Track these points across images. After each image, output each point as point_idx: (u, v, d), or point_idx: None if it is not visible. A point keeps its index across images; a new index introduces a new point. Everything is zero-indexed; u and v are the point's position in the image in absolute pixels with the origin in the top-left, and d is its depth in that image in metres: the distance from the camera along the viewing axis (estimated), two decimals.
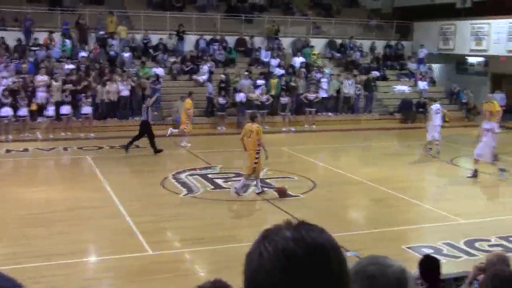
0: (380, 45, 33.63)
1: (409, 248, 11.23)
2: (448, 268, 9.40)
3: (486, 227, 12.71)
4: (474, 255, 10.80)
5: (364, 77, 29.54)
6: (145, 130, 19.68)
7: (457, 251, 11.20)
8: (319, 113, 27.53)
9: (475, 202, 15.23)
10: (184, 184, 15.87)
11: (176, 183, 16.04)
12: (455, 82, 32.00)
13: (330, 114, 28.24)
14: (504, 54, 29.03)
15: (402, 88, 30.86)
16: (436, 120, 20.60)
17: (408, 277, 1.87)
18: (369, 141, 24.02)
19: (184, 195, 14.88)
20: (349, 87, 28.45)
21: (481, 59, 32.49)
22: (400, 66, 32.94)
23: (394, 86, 31.13)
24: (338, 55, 32.20)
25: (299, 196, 15.02)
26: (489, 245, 11.38)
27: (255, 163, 14.70)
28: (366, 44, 33.21)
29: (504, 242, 11.65)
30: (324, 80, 28.34)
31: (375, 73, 30.62)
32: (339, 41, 32.63)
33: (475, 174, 17.20)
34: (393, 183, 16.44)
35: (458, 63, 34.08)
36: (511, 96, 30.08)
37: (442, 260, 10.32)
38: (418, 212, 14.14)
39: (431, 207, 14.39)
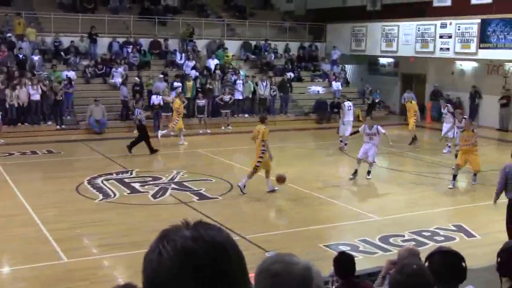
0: (294, 46, 34.13)
1: (326, 246, 11.45)
2: (364, 264, 9.67)
3: (399, 223, 13.13)
4: (388, 250, 11.14)
5: (279, 79, 29.90)
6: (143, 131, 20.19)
7: (372, 247, 11.51)
8: (235, 115, 27.67)
9: (389, 199, 15.70)
10: (99, 189, 15.58)
11: (91, 188, 15.72)
12: (368, 82, 32.89)
13: (246, 115, 28.40)
14: (413, 55, 30.08)
15: (317, 89, 31.44)
16: (349, 116, 21.90)
17: (314, 275, 1.89)
18: (285, 142, 24.30)
19: (100, 200, 14.61)
20: (264, 89, 28.73)
21: (391, 60, 33.55)
22: (314, 67, 33.52)
23: (309, 87, 31.66)
24: (253, 57, 32.45)
25: (217, 198, 15.05)
26: (403, 240, 11.76)
27: (258, 162, 15.28)
28: (280, 45, 33.62)
29: (416, 237, 12.08)
30: (239, 82, 28.50)
31: (290, 75, 31.05)
32: (253, 43, 32.90)
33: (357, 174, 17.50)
34: (309, 183, 16.72)
35: (370, 64, 35.07)
36: (419, 95, 31.21)
37: (359, 256, 10.63)
38: (335, 211, 14.45)
39: (347, 205, 14.73)
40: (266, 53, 32.44)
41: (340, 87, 31.47)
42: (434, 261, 4.00)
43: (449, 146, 21.33)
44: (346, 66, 34.61)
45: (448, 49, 28.27)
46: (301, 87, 31.63)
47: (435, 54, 29.00)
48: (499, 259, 4.29)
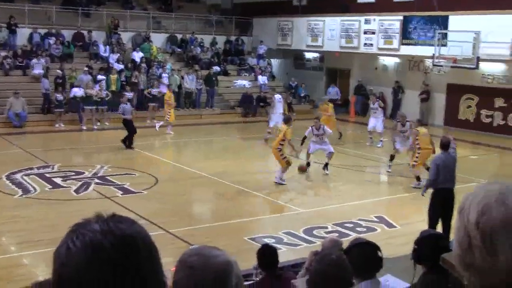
0: (220, 40, 34.08)
1: (251, 239, 11.49)
2: (288, 256, 9.77)
3: (323, 215, 13.33)
4: (312, 242, 11.28)
5: (205, 72, 29.80)
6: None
7: (296, 239, 11.64)
8: (161, 109, 27.37)
9: (314, 192, 15.93)
10: (19, 185, 15.11)
11: (10, 184, 15.22)
12: (294, 77, 33.22)
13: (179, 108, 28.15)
14: (338, 50, 30.58)
15: (243, 82, 31.52)
16: (278, 108, 22.59)
17: (232, 269, 1.87)
18: (211, 136, 24.28)
19: (20, 196, 14.18)
20: (191, 82, 28.57)
21: (317, 54, 33.99)
22: (240, 61, 33.59)
23: (235, 81, 31.71)
24: (179, 50, 32.21)
25: (141, 192, 14.86)
26: (326, 232, 11.94)
27: (283, 157, 16.00)
28: (207, 39, 33.49)
29: (339, 228, 12.29)
30: (165, 75, 28.23)
31: (216, 68, 31.00)
32: (180, 36, 32.64)
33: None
34: (235, 176, 16.75)
35: (296, 58, 35.42)
36: (344, 90, 31.81)
37: (283, 248, 10.73)
38: (260, 204, 14.53)
39: (272, 198, 14.84)
40: (192, 46, 32.25)
41: (266, 81, 31.66)
42: (351, 253, 4.09)
43: (381, 141, 21.72)
44: (272, 60, 34.87)
45: (371, 44, 28.89)
46: (227, 81, 31.63)
47: (359, 50, 29.59)
48: (415, 247, 4.42)
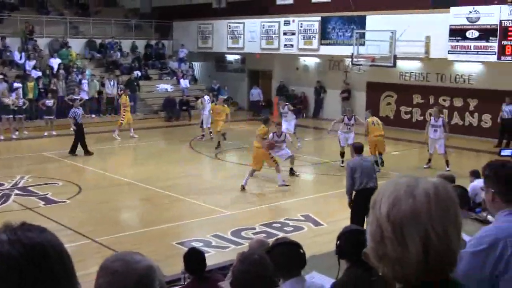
0: (140, 44, 33.74)
1: (179, 243, 11.46)
2: (217, 259, 9.80)
3: (251, 217, 13.43)
4: (240, 243, 11.34)
5: (126, 77, 29.46)
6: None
7: (224, 241, 11.68)
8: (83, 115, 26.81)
9: (241, 194, 15.95)
10: None
11: None
12: (216, 79, 33.26)
13: (93, 116, 27.69)
14: (259, 51, 30.84)
15: (165, 87, 31.34)
16: (208, 109, 23.45)
17: (155, 274, 1.90)
18: (135, 141, 24.01)
19: None
20: (112, 88, 28.17)
21: (238, 56, 34.17)
22: (161, 65, 33.37)
23: (157, 85, 31.50)
24: (99, 55, 31.70)
25: (65, 201, 14.56)
26: (254, 233, 12.03)
27: (272, 159, 16.20)
28: (127, 44, 33.10)
29: (267, 229, 12.41)
30: (84, 81, 27.71)
31: (137, 73, 30.70)
32: (99, 41, 32.12)
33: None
34: (161, 182, 16.65)
35: (218, 61, 35.49)
36: (267, 91, 32.10)
37: (211, 251, 10.76)
38: (187, 208, 14.47)
39: (199, 202, 14.81)
40: (112, 51, 31.80)
41: (188, 85, 31.59)
42: (274, 252, 4.17)
43: (298, 138, 21.97)
44: (194, 63, 34.82)
45: (292, 45, 29.28)
46: (149, 86, 31.38)
47: (280, 51, 29.93)
48: (338, 243, 4.54)
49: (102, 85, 28.32)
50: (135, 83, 29.36)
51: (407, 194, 1.72)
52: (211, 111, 23.00)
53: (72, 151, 20.24)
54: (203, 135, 23.96)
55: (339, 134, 19.08)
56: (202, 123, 24.00)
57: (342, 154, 18.88)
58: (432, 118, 18.63)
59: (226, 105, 23.88)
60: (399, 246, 1.70)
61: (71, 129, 20.50)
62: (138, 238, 11.91)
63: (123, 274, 1.85)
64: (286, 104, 22.22)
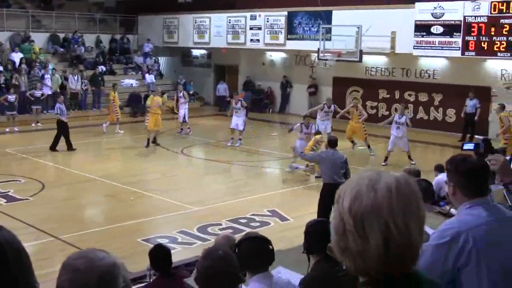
0: (105, 39, 33.40)
1: (145, 240, 11.41)
2: (183, 255, 9.78)
3: (217, 213, 13.42)
4: (207, 239, 11.34)
5: (90, 72, 29.15)
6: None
7: (191, 237, 11.67)
8: (45, 111, 26.50)
9: (207, 189, 15.96)
10: None
11: None
12: (182, 74, 33.11)
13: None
14: (225, 46, 30.78)
15: (130, 82, 31.10)
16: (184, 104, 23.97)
17: (119, 271, 1.89)
18: (99, 137, 23.79)
19: None
20: (76, 83, 27.83)
21: (204, 51, 34.06)
22: (126, 60, 33.09)
23: (122, 80, 31.21)
24: (62, 50, 31.31)
25: (28, 199, 14.38)
26: (220, 229, 12.05)
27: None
28: (91, 38, 32.75)
29: (233, 224, 12.43)
30: (47, 76, 27.33)
31: (102, 68, 30.40)
32: (62, 36, 31.71)
33: None
34: (126, 178, 16.55)
35: (184, 56, 35.34)
36: (233, 86, 32.05)
37: (177, 247, 10.74)
38: (152, 204, 14.41)
39: (164, 198, 14.76)
40: (76, 46, 31.42)
41: (153, 80, 31.39)
42: (242, 247, 4.17)
43: (240, 139, 21.80)
44: (159, 58, 34.59)
45: (258, 40, 29.28)
46: (113, 81, 31.04)
47: (246, 45, 29.91)
48: (306, 236, 4.57)
49: (66, 79, 27.95)
50: (100, 78, 29.07)
51: (369, 188, 1.75)
52: (149, 105, 22.26)
53: (53, 147, 20.08)
54: (181, 129, 24.24)
55: (317, 121, 20.37)
56: (184, 117, 24.15)
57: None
58: (397, 114, 18.80)
59: (163, 97, 23.95)
60: (360, 239, 1.73)
61: (65, 120, 20.31)
62: (103, 235, 11.82)
63: (85, 271, 1.84)
64: (240, 100, 21.88)
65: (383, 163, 18.29)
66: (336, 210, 1.82)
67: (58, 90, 27.36)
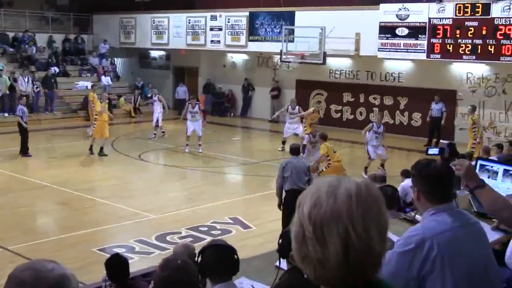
0: (58, 39, 33.03)
1: (100, 250, 11.30)
2: (141, 265, 9.69)
3: (176, 220, 13.37)
4: (165, 248, 11.27)
5: (42, 74, 28.77)
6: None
7: (149, 247, 11.60)
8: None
9: (165, 196, 15.86)
10: None
11: None
12: (140, 76, 32.92)
13: (6, 114, 26.86)
14: (185, 47, 30.70)
15: (85, 84, 30.76)
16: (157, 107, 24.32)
17: (69, 283, 1.87)
18: (52, 142, 23.50)
19: None
20: (26, 85, 27.39)
21: (163, 52, 33.92)
22: (81, 61, 32.79)
23: (76, 83, 30.91)
24: (11, 50, 30.85)
25: None
26: (179, 237, 12.00)
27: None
28: (43, 37, 32.34)
29: (193, 233, 12.39)
30: None
31: (55, 69, 30.04)
32: (11, 35, 31.25)
33: None
34: (80, 184, 16.37)
35: (141, 57, 35.15)
36: (193, 88, 31.95)
37: (135, 257, 10.67)
38: (108, 212, 14.28)
39: (121, 205, 14.63)
40: (26, 46, 31.00)
41: (110, 82, 31.17)
42: (205, 255, 4.15)
43: (200, 145, 21.79)
44: (116, 59, 34.33)
45: (219, 41, 29.28)
46: (67, 83, 30.76)
47: (206, 47, 29.88)
48: (280, 241, 4.55)
49: (15, 81, 27.50)
50: (52, 80, 28.69)
51: (328, 194, 1.77)
52: (94, 110, 21.45)
53: (23, 151, 19.95)
54: (154, 134, 24.18)
55: (286, 124, 21.49)
56: (157, 121, 24.16)
57: (283, 142, 20.82)
58: (375, 124, 18.39)
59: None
60: (319, 246, 1.75)
61: (24, 125, 19.90)
62: (56, 245, 11.67)
63: (31, 284, 1.81)
64: (197, 103, 21.46)
65: (364, 175, 17.17)
66: (296, 216, 1.84)
67: (7, 92, 26.91)
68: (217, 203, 15.10)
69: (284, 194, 11.48)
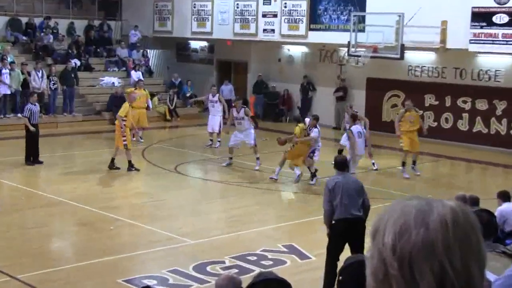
0: (80, 26, 33.50)
1: (126, 281, 11.37)
2: None
3: (219, 247, 13.38)
4: (205, 281, 11.28)
5: (60, 67, 29.21)
6: None
7: (185, 278, 11.62)
8: (1, 116, 26.59)
9: (205, 217, 15.88)
10: None
11: None
12: (177, 72, 33.14)
13: (19, 115, 27.37)
14: (231, 38, 30.81)
15: (111, 80, 31.15)
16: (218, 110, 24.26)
17: None
18: (71, 150, 23.85)
19: None
20: (40, 80, 27.85)
21: (205, 43, 34.12)
22: (107, 52, 33.19)
23: (101, 78, 31.30)
24: (24, 38, 31.47)
25: None
26: (223, 268, 11.99)
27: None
28: (62, 24, 32.87)
29: (239, 262, 12.37)
30: (5, 71, 27.31)
31: (75, 62, 30.46)
32: (25, 20, 31.87)
33: None
34: (104, 201, 16.54)
35: (179, 49, 35.41)
36: (241, 87, 32.04)
37: None
38: (137, 235, 14.40)
39: (152, 227, 14.72)
40: (42, 33, 31.59)
41: (141, 77, 31.36)
42: None
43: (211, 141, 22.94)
44: (149, 51, 34.66)
45: (273, 30, 29.31)
46: (91, 79, 31.20)
47: (258, 37, 29.94)
48: (340, 278, 4.53)
49: (28, 75, 27.90)
50: (73, 75, 29.10)
51: (418, 221, 1.73)
52: (128, 102, 21.54)
53: (30, 159, 20.30)
54: (211, 140, 24.36)
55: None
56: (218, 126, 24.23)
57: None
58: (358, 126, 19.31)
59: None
60: (407, 286, 1.70)
61: (31, 128, 20.24)
62: (72, 275, 11.79)
63: None
64: (243, 107, 21.34)
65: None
66: (373, 249, 1.79)
67: (20, 89, 27.38)
68: (268, 227, 15.08)
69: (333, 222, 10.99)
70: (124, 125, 19.73)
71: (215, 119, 23.32)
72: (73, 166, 21.99)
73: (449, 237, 1.71)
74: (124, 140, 19.48)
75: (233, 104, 22.16)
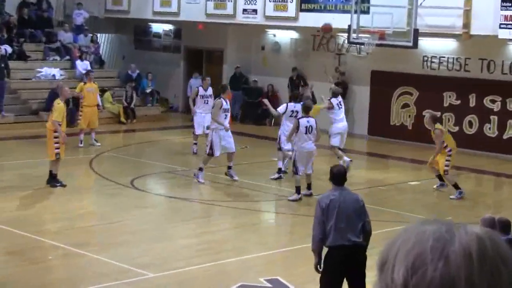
0: (12, 2, 33.39)
1: None
2: None
3: (186, 281, 13.41)
4: None
5: None
6: None
7: None
8: None
9: (170, 245, 15.86)
10: None
11: None
12: (135, 62, 33.08)
13: None
14: (203, 19, 30.78)
15: (51, 72, 31.07)
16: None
17: None
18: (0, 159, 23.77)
19: None
20: None
21: (170, 27, 34.11)
22: (46, 37, 33.09)
23: (39, 70, 31.22)
24: None
25: None
26: None
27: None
28: None
29: None
30: None
31: (6, 49, 30.34)
32: None
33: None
34: (40, 224, 16.54)
35: (138, 33, 35.39)
36: (216, 81, 31.99)
37: None
38: (82, 267, 14.33)
39: (103, 257, 14.68)
40: None
41: (89, 68, 31.31)
42: None
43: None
44: (99, 35, 34.63)
45: (255, 11, 29.32)
46: (25, 70, 31.11)
47: (236, 19, 29.96)
48: None
49: None
50: (2, 65, 29.03)
51: (435, 252, 1.72)
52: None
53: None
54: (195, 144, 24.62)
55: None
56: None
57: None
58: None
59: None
60: None
61: None
62: None
63: None
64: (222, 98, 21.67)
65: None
66: (380, 283, 1.79)
67: None
68: (247, 256, 15.09)
69: (325, 250, 10.91)
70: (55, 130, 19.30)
71: (207, 118, 22.73)
72: (1, 180, 21.92)
73: (474, 274, 1.70)
74: (57, 148, 19.19)
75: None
